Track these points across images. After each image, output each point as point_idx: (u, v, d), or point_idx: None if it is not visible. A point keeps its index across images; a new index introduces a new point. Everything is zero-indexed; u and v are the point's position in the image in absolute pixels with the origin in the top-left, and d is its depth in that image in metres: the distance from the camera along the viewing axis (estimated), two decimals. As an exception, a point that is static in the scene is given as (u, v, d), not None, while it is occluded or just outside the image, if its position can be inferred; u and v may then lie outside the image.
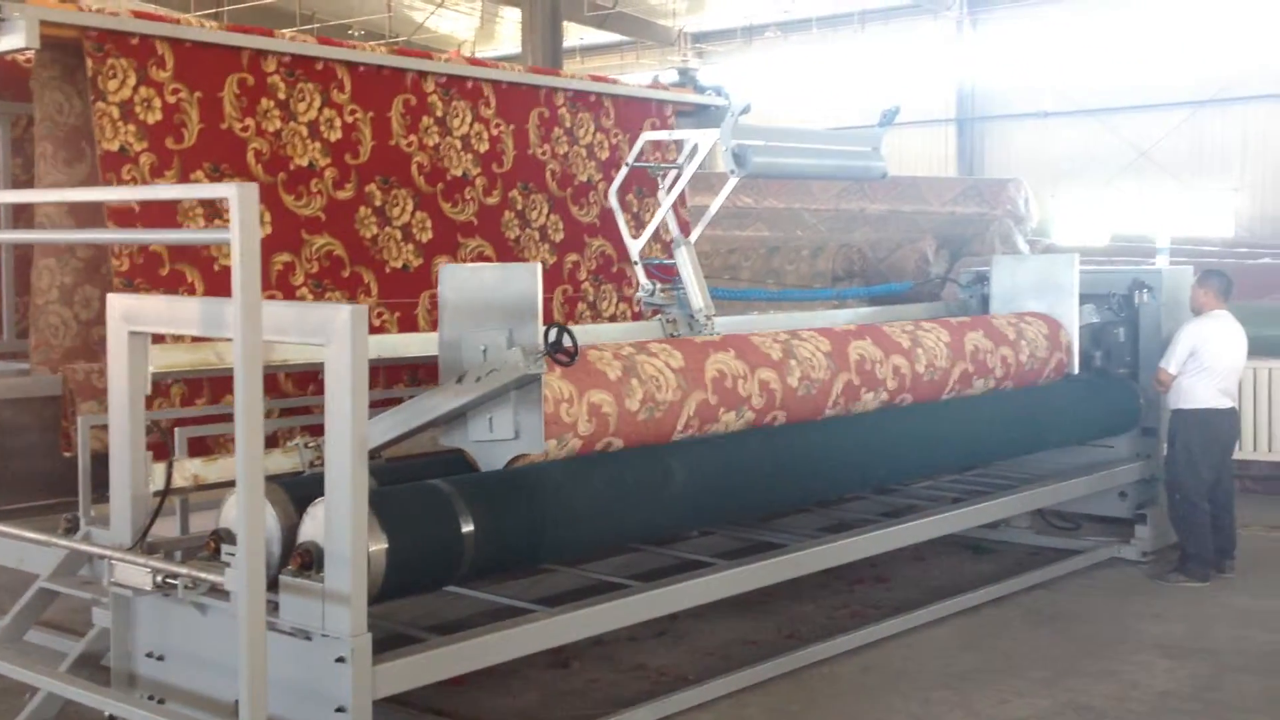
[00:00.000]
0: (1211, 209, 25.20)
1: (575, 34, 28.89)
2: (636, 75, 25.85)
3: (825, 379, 6.08)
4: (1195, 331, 7.68)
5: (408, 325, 6.67)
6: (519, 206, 7.36)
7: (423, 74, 6.88)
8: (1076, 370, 7.81)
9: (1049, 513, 8.48)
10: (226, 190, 3.61)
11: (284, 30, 7.09)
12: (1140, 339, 8.26)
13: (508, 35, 29.15)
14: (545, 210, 7.50)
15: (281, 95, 6.29)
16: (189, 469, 4.96)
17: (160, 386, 5.62)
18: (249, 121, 6.16)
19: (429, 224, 6.85)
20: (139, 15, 6.00)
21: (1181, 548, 7.76)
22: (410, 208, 6.78)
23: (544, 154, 7.50)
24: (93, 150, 5.87)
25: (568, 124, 7.65)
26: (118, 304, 4.52)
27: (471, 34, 31.37)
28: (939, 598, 6.98)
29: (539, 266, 4.97)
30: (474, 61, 7.79)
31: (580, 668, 6.00)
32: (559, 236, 7.58)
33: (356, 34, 27.65)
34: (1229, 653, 6.32)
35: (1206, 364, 7.61)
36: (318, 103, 6.42)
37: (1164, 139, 25.79)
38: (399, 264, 6.73)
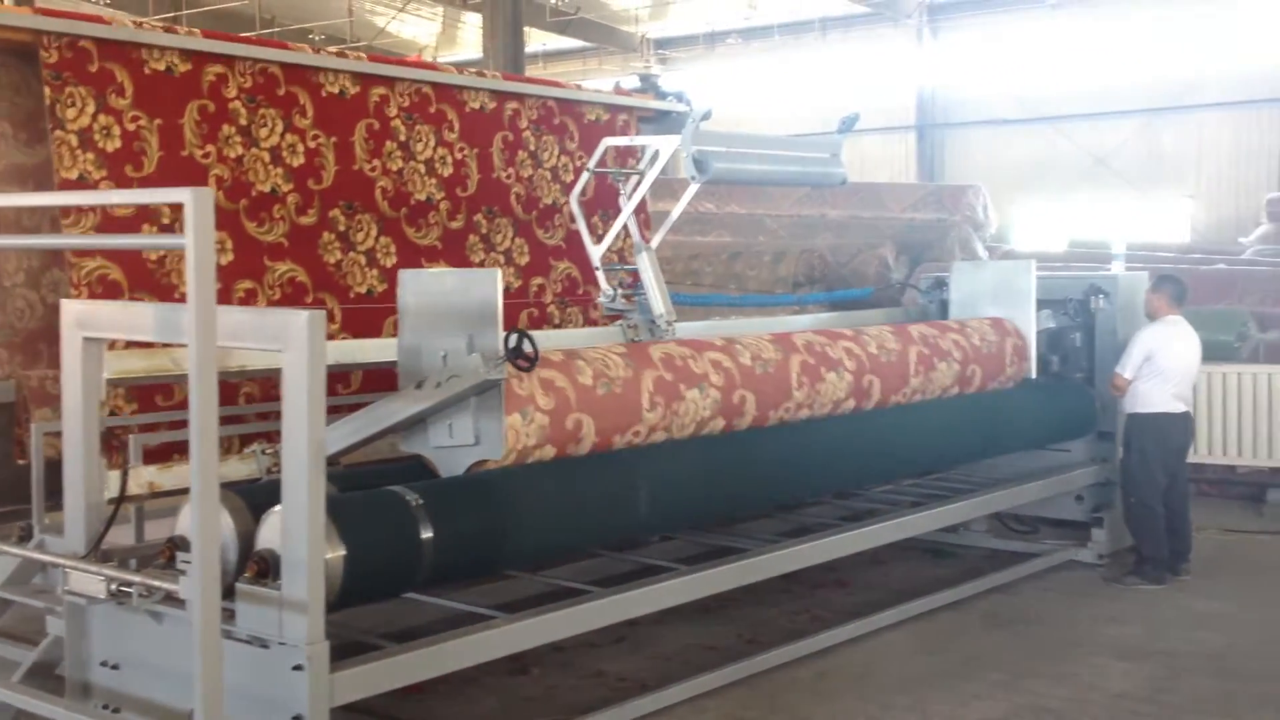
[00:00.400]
0: (1167, 215, 25.49)
1: (538, 40, 28.88)
2: (599, 81, 25.91)
3: (778, 359, 6.15)
4: (1150, 337, 7.76)
5: None
6: (483, 230, 7.34)
7: (386, 98, 6.85)
8: (1034, 375, 7.89)
9: (1007, 516, 8.54)
10: (181, 195, 3.58)
11: (244, 34, 7.06)
12: (1097, 344, 8.34)
13: (470, 40, 29.10)
14: (510, 234, 7.48)
15: (243, 121, 6.24)
16: (144, 476, 4.92)
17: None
18: (210, 148, 6.11)
19: (393, 249, 6.82)
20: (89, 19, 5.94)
21: (1137, 551, 7.84)
22: (374, 233, 6.75)
23: (508, 177, 7.49)
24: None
25: (532, 147, 7.64)
26: (72, 310, 4.48)
27: (433, 39, 31.30)
28: (898, 601, 7.02)
29: (499, 272, 4.97)
30: (425, 64, 7.75)
31: (539, 674, 6.00)
32: (524, 260, 7.57)
33: (317, 39, 27.50)
34: (1184, 654, 6.39)
35: (1161, 369, 7.69)
36: (280, 128, 6.38)
37: (1120, 146, 26.07)
38: (363, 289, 6.70)
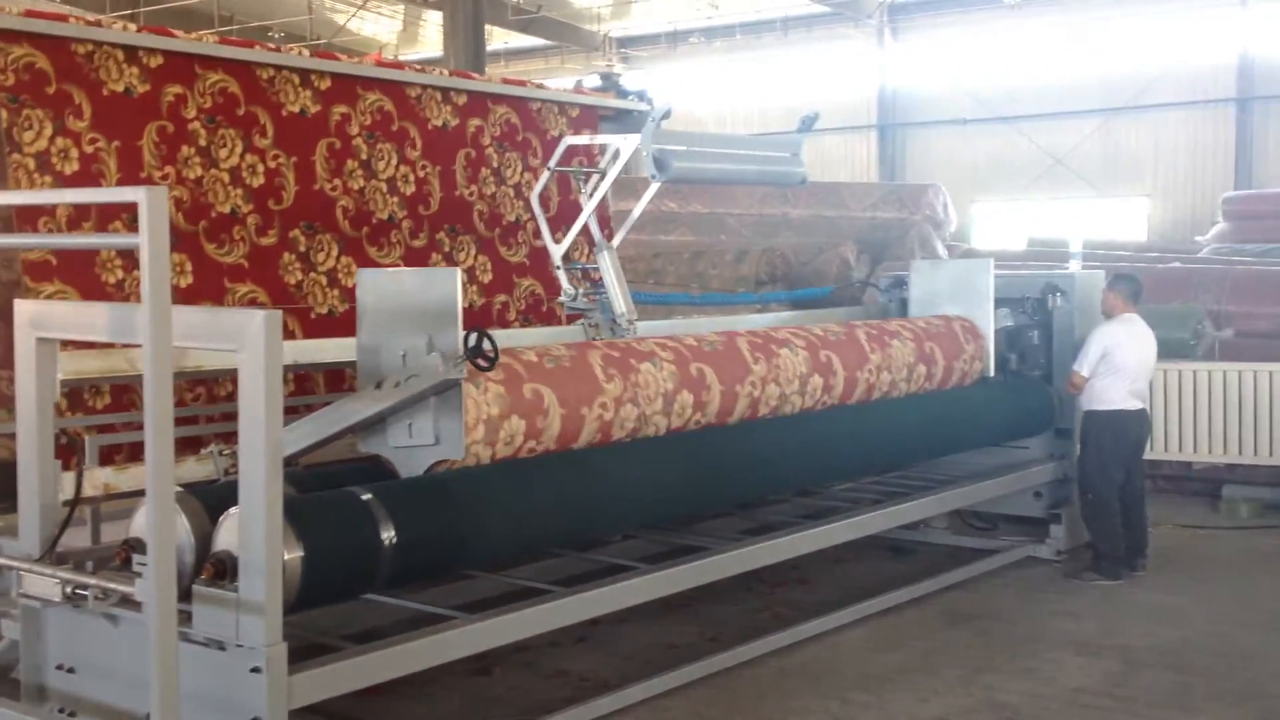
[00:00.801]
0: (1125, 214, 25.77)
1: (500, 38, 28.82)
2: (561, 80, 25.89)
3: (723, 340, 6.24)
4: (1106, 335, 7.83)
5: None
6: (446, 248, 7.29)
7: (347, 116, 6.80)
8: (992, 373, 7.94)
9: (966, 513, 8.60)
10: (135, 194, 3.56)
11: (202, 31, 6.99)
12: (1054, 342, 8.41)
13: (431, 39, 29.01)
14: (473, 251, 7.44)
15: (202, 142, 6.17)
16: (100, 478, 4.87)
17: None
18: (169, 169, 6.02)
19: (354, 269, 6.74)
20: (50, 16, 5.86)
21: (1094, 546, 7.91)
22: (335, 253, 6.69)
23: (471, 195, 7.44)
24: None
25: (495, 164, 7.59)
26: (25, 309, 4.43)
27: (394, 37, 31.18)
28: (859, 599, 7.04)
29: (458, 271, 4.95)
30: (392, 64, 7.65)
31: (501, 674, 5.99)
32: (487, 278, 7.53)
33: (276, 36, 27.33)
34: (1140, 649, 6.45)
35: (1117, 366, 7.76)
36: (240, 149, 6.31)
37: (1078, 146, 26.33)
38: (324, 310, 6.63)
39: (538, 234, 7.26)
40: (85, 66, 5.79)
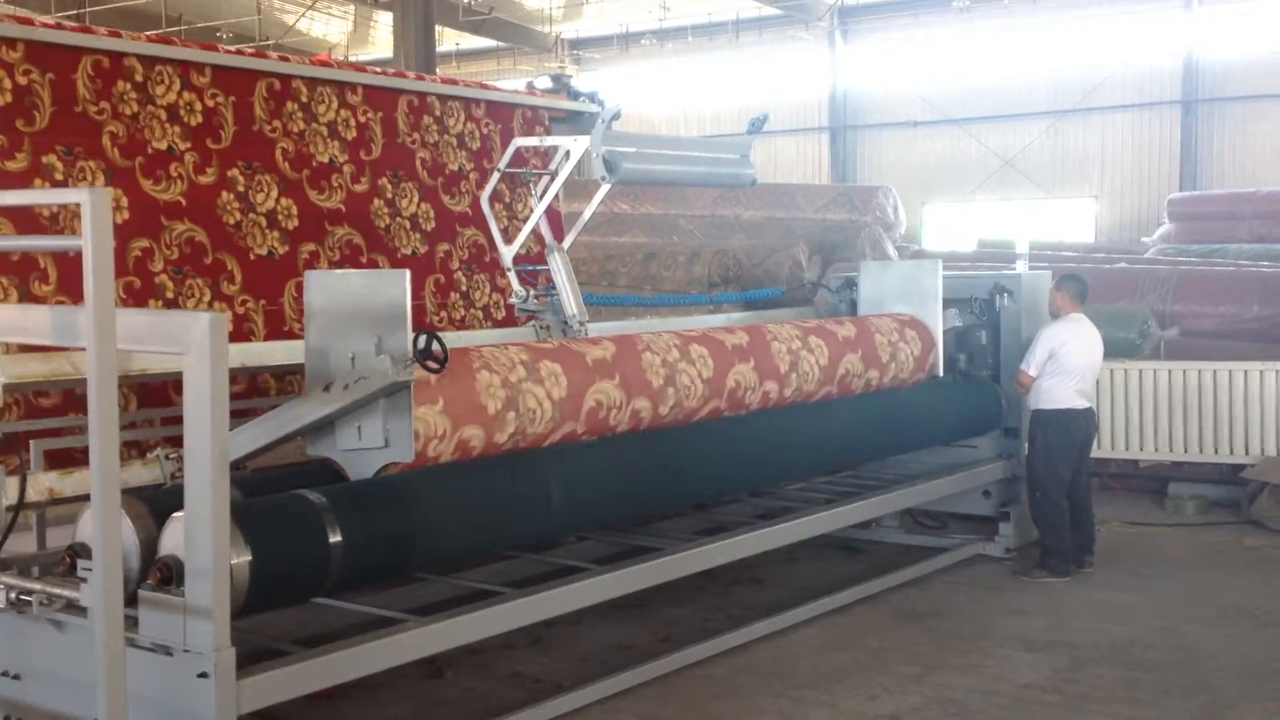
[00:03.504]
0: (1073, 216, 26.07)
1: (451, 39, 28.72)
2: (512, 81, 25.84)
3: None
4: (1053, 335, 7.91)
5: None
6: None
7: (316, 254, 6.74)
8: (941, 373, 8.01)
9: (917, 512, 8.67)
10: (78, 195, 3.52)
11: (145, 32, 6.90)
12: (1002, 342, 8.49)
13: (382, 40, 28.86)
14: None
15: (170, 294, 6.11)
16: (44, 483, 4.81)
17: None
18: None
19: None
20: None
21: (1043, 544, 7.98)
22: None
23: (440, 320, 7.43)
24: None
25: (464, 288, 7.58)
26: (-34, 313, 4.37)
27: (344, 38, 30.99)
28: (812, 598, 7.08)
29: (407, 273, 4.93)
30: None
31: (454, 677, 5.97)
32: None
33: (224, 37, 27.07)
34: (1087, 645, 6.52)
35: (1064, 366, 7.84)
36: (208, 297, 6.27)
37: (1027, 148, 26.59)
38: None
39: (485, 218, 7.18)
40: (50, 228, 5.69)
